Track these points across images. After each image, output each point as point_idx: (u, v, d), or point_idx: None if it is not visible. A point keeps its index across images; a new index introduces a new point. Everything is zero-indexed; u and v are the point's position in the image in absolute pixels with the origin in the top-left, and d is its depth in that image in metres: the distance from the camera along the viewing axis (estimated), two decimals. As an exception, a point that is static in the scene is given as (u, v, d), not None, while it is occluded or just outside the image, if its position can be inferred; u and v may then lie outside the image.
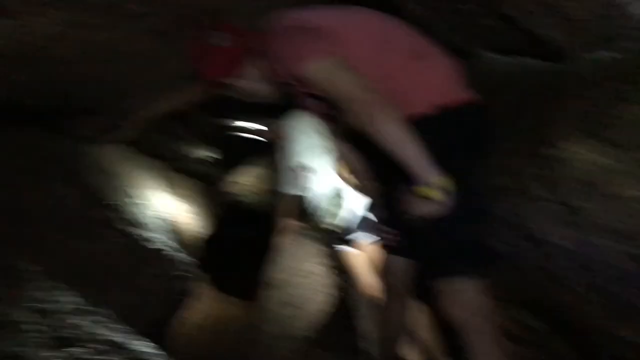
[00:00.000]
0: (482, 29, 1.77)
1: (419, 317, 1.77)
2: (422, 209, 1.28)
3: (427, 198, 1.25)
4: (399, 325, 1.67)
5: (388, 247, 1.64)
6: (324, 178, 2.71)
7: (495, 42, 1.86)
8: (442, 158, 1.26)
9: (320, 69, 1.29)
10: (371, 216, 1.75)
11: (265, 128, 3.38)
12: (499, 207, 1.54)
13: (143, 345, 1.95)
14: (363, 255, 2.50)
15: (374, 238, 2.33)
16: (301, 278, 2.61)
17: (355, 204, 2.55)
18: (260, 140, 4.67)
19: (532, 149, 1.51)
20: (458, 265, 1.36)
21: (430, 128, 1.32)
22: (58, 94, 2.05)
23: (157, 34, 1.84)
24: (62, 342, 1.75)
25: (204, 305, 2.85)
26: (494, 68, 1.95)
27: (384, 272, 1.71)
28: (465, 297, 1.33)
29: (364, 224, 2.48)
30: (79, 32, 1.57)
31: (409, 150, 1.23)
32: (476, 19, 1.73)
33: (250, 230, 3.75)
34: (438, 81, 1.42)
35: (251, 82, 1.57)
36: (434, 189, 1.23)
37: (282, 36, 1.37)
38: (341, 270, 2.71)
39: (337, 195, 2.68)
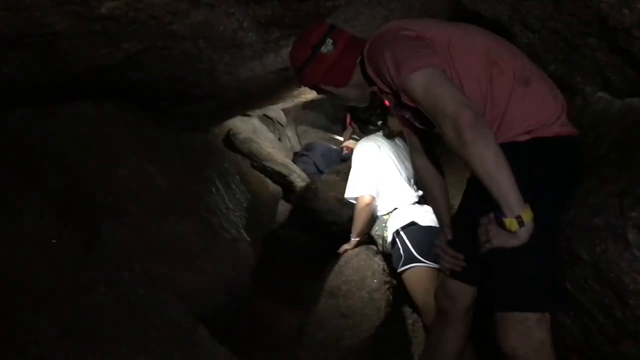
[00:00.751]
0: (596, 65, 1.66)
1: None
2: (502, 240, 1.25)
3: (511, 230, 1.21)
4: (446, 349, 1.67)
5: (450, 270, 1.62)
6: (385, 200, 2.73)
7: (610, 81, 1.73)
8: (527, 189, 1.21)
9: (419, 79, 1.26)
10: (436, 238, 1.73)
11: (341, 139, 3.44)
12: (587, 249, 1.46)
13: (198, 327, 2.03)
14: (422, 277, 2.47)
15: (434, 261, 2.30)
16: (361, 292, 2.59)
17: (408, 226, 2.59)
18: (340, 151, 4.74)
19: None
20: (530, 299, 1.30)
21: (519, 155, 1.28)
22: (165, 72, 2.07)
23: (271, 26, 1.83)
24: (128, 310, 1.87)
25: (261, 304, 2.90)
26: (603, 109, 1.83)
27: (440, 295, 1.69)
28: (529, 332, 1.28)
29: (426, 246, 2.45)
30: (199, 11, 1.57)
31: (501, 178, 1.18)
32: (592, 53, 1.63)
33: (315, 236, 3.79)
34: (538, 110, 1.36)
35: (348, 88, 1.61)
36: (520, 222, 1.19)
37: (388, 45, 1.37)
38: (399, 289, 2.67)
39: (384, 220, 2.75)
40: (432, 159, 1.76)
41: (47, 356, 1.46)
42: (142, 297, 1.98)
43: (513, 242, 1.23)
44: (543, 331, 1.28)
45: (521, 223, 1.19)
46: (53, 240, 1.79)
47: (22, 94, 1.84)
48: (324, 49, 1.54)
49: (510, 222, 1.20)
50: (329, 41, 1.54)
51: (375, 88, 1.54)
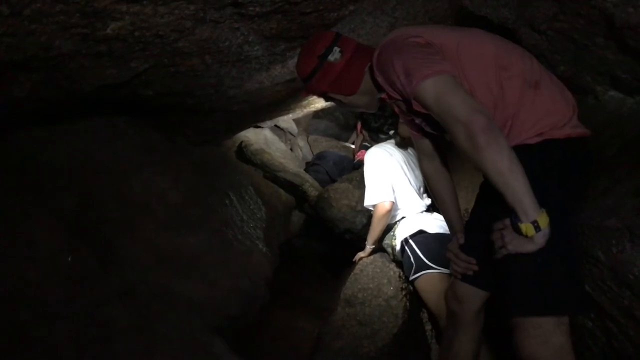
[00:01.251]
0: (605, 64, 1.64)
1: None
2: (518, 245, 1.23)
3: (527, 235, 1.19)
4: (459, 352, 1.65)
5: (461, 274, 1.61)
6: (394, 209, 2.72)
7: (620, 80, 1.71)
8: (540, 192, 1.19)
9: (430, 87, 1.26)
10: (446, 244, 1.72)
11: (352, 146, 3.43)
12: (603, 250, 1.44)
13: (214, 340, 2.03)
14: (434, 283, 2.46)
15: (445, 267, 2.29)
16: (377, 299, 2.58)
17: (418, 234, 2.59)
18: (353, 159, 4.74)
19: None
20: (547, 303, 1.27)
21: (531, 158, 1.27)
22: (174, 88, 2.08)
23: (277, 38, 1.82)
24: (143, 325, 1.88)
25: (277, 314, 2.90)
26: (614, 108, 1.80)
27: (449, 297, 1.68)
28: (547, 336, 1.25)
29: (437, 252, 2.43)
30: (204, 27, 1.57)
31: (516, 183, 1.17)
32: (600, 52, 1.61)
33: (329, 245, 3.78)
34: (549, 112, 1.35)
35: (357, 96, 1.60)
36: (536, 227, 1.17)
37: (397, 52, 1.37)
38: (416, 296, 2.65)
39: (392, 229, 2.76)
40: (442, 163, 1.75)
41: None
42: (156, 311, 1.99)
43: (529, 248, 1.21)
44: (561, 335, 1.26)
45: (537, 228, 1.17)
46: (68, 259, 1.81)
47: (33, 113, 1.87)
48: (331, 58, 1.53)
49: (527, 227, 1.18)
50: (336, 49, 1.54)
51: (384, 94, 1.54)
